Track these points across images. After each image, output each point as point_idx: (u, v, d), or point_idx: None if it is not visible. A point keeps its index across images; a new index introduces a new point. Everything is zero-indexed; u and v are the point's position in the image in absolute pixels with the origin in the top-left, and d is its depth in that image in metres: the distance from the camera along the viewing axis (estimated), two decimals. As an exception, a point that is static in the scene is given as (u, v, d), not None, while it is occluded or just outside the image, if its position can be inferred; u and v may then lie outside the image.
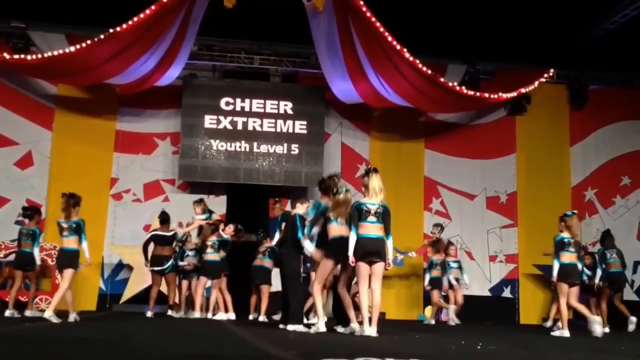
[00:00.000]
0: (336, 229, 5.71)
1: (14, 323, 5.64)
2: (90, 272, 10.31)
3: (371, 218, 5.36)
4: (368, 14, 9.22)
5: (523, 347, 4.93)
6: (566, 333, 6.59)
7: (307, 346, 4.27)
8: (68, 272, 6.80)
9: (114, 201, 10.64)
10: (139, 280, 10.03)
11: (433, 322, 9.31)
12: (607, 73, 12.00)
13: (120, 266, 10.45)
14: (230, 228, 8.87)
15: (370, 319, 5.35)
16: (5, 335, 4.29)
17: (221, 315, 8.42)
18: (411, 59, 9.65)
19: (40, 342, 3.93)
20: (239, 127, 10.90)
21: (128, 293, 10.18)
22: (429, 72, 9.87)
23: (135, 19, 9.04)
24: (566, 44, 11.18)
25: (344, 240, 5.56)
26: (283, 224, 6.98)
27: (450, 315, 9.14)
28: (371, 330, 5.27)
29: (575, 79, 11.94)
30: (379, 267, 5.41)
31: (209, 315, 8.47)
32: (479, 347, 4.44)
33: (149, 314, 8.57)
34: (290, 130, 10.98)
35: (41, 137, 10.66)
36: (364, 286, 5.39)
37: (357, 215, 5.40)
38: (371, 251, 5.34)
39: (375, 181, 5.44)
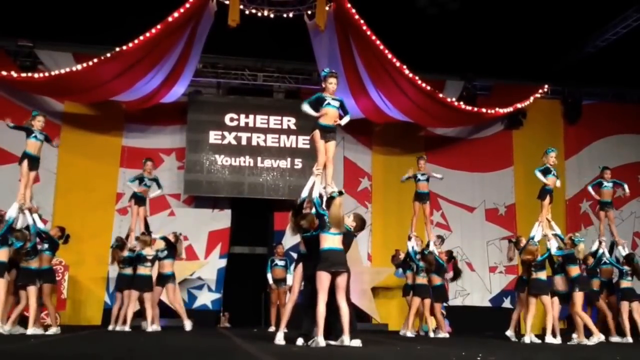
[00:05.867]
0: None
1: (18, 340, 5.72)
2: (95, 287, 10.43)
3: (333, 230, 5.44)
4: (368, 33, 9.48)
5: (522, 358, 5.05)
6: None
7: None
8: None
9: (119, 216, 10.76)
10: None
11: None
12: (600, 88, 12.29)
13: (125, 280, 10.53)
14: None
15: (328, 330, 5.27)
16: (12, 352, 4.35)
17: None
18: (410, 75, 9.90)
19: (47, 359, 4.02)
20: (243, 142, 11.09)
21: (133, 307, 10.22)
22: (428, 88, 10.12)
23: (142, 37, 9.26)
24: (560, 60, 11.46)
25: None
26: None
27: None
28: (347, 339, 5.21)
29: (569, 95, 12.22)
30: (342, 278, 5.34)
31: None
32: (478, 358, 4.56)
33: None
34: (294, 145, 11.19)
35: (47, 153, 10.71)
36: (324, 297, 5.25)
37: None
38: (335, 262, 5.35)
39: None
